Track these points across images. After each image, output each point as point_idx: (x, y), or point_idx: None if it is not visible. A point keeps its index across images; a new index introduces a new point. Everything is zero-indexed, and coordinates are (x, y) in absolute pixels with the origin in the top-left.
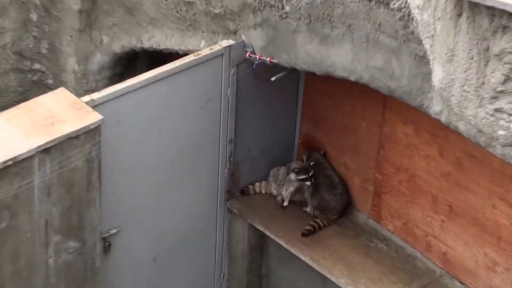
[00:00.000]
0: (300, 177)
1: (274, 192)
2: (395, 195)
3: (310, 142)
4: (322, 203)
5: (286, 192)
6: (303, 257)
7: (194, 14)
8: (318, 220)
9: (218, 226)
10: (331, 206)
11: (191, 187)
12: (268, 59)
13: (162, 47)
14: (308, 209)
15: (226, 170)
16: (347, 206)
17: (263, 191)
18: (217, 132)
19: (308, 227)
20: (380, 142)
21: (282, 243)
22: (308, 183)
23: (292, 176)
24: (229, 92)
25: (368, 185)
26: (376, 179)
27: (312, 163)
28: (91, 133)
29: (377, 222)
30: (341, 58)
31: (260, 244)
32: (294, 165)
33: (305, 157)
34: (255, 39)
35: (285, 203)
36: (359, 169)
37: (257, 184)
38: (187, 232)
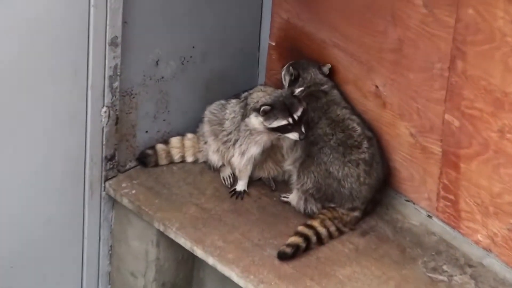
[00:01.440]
0: (275, 124)
1: (213, 159)
2: (492, 163)
3: (296, 43)
4: (325, 183)
5: (242, 160)
6: None
7: None
8: (316, 223)
9: (86, 239)
10: (347, 190)
11: (24, 151)
12: None
13: None
14: (293, 197)
15: (103, 110)
16: (381, 190)
17: (190, 158)
18: (83, 22)
19: (294, 240)
20: (455, 40)
21: (233, 275)
22: (294, 137)
23: (256, 120)
24: None
25: (431, 141)
26: (448, 126)
27: (300, 90)
28: None
29: (452, 226)
30: None
31: (185, 279)
32: (260, 95)
33: (288, 77)
34: None
35: (240, 186)
36: (408, 103)
37: (174, 141)
38: (17, 255)
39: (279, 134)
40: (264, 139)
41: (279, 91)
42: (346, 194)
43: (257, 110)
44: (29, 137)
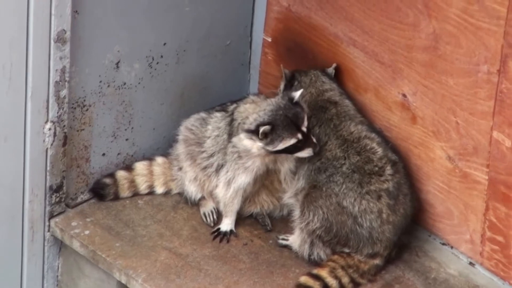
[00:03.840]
0: (281, 145)
1: (190, 189)
2: None
3: (300, 40)
4: (336, 222)
5: (227, 192)
6: None
7: None
8: (324, 273)
9: None
10: (365, 231)
11: None
12: None
13: None
14: (294, 239)
15: (47, 126)
16: (409, 231)
17: (160, 189)
18: (20, 10)
19: None
20: (508, 35)
21: None
22: (307, 153)
23: (248, 142)
24: None
25: (474, 167)
26: (497, 147)
27: (300, 92)
28: None
29: (501, 277)
30: None
31: None
32: (249, 109)
33: (283, 81)
34: None
35: (226, 225)
36: (444, 117)
37: (140, 167)
38: None
39: (287, 155)
40: (256, 164)
41: (273, 101)
42: (364, 236)
43: (251, 132)
44: None
